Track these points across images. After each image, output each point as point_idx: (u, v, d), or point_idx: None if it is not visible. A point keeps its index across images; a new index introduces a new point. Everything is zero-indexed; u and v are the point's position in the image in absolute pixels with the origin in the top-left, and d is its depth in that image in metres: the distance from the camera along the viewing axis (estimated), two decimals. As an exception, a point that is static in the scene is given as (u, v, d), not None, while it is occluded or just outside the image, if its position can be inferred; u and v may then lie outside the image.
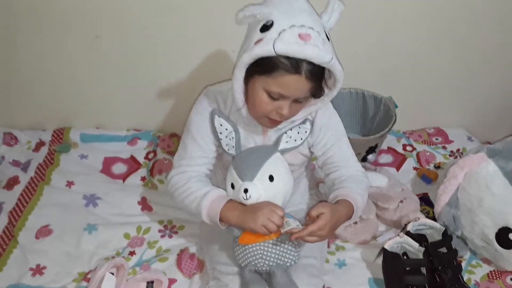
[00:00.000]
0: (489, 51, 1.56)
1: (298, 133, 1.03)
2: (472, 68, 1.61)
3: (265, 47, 0.85)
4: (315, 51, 0.84)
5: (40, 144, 1.55)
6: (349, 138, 1.25)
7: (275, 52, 0.84)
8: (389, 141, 1.62)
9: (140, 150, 1.56)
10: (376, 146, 1.48)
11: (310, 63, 0.86)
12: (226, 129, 1.00)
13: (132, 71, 1.53)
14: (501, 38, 1.53)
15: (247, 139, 1.04)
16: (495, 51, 1.56)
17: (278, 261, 0.98)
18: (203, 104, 1.04)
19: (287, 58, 0.85)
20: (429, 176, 1.46)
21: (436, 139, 1.66)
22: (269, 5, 0.88)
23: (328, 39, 0.90)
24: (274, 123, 0.98)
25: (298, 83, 0.88)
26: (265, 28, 0.86)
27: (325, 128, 1.06)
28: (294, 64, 0.86)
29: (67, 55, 1.49)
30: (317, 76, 0.90)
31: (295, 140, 1.03)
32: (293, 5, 0.88)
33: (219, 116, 1.00)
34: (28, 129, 1.60)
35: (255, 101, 0.93)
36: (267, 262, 0.98)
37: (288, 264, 0.99)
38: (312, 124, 1.04)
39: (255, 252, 0.98)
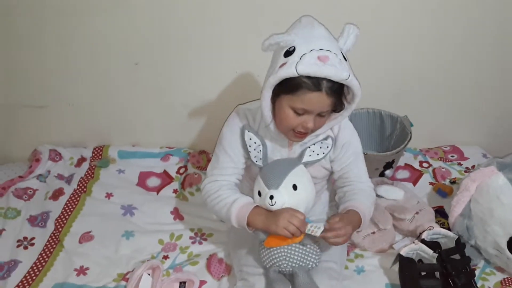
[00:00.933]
0: (501, 69, 1.62)
1: (320, 147, 1.12)
2: (486, 87, 1.66)
3: (289, 70, 0.95)
4: (333, 70, 0.95)
5: (82, 160, 1.70)
6: (367, 154, 1.36)
7: (297, 73, 0.95)
8: (407, 158, 1.70)
9: (172, 166, 1.67)
10: (393, 162, 1.56)
11: (329, 80, 0.97)
12: (255, 143, 1.11)
13: (165, 94, 1.66)
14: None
15: (274, 152, 1.14)
16: (508, 70, 1.62)
17: (301, 263, 1.06)
18: (234, 121, 1.15)
19: (309, 77, 0.96)
20: (444, 190, 1.53)
21: (452, 156, 1.73)
22: (291, 33, 1.00)
23: (346, 59, 1.01)
24: (300, 136, 1.08)
25: (319, 99, 0.99)
26: (288, 53, 0.98)
27: (347, 146, 1.15)
28: (315, 83, 0.96)
29: (108, 81, 1.63)
30: (337, 92, 1.00)
31: (318, 154, 1.12)
32: (313, 33, 1.00)
33: (248, 131, 1.11)
34: (71, 146, 1.74)
35: (282, 117, 1.04)
36: (290, 264, 1.06)
37: (310, 266, 1.07)
38: (335, 141, 1.14)
39: (279, 254, 1.06)
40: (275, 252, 1.07)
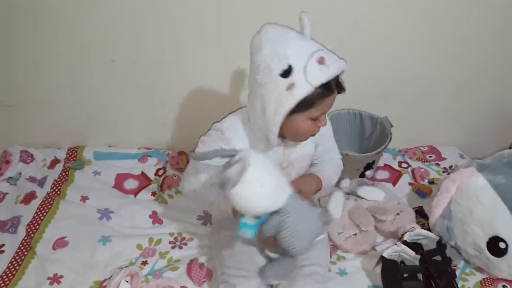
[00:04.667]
0: (476, 72, 1.66)
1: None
2: (462, 89, 1.70)
3: (304, 88, 0.93)
4: (336, 67, 0.96)
5: (55, 161, 1.63)
6: (348, 155, 1.39)
7: (313, 87, 0.94)
8: (386, 158, 1.71)
9: (150, 167, 1.63)
10: (373, 162, 1.57)
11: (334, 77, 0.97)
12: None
13: (143, 93, 1.62)
14: (488, 59, 1.63)
15: (270, 157, 1.08)
16: (485, 72, 1.66)
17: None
18: (214, 140, 1.09)
19: (322, 87, 0.95)
20: (423, 190, 1.54)
21: (430, 156, 1.75)
22: (277, 53, 0.94)
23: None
24: (314, 134, 1.09)
25: (333, 98, 1.01)
26: (287, 73, 0.93)
27: (325, 130, 1.16)
28: (328, 87, 0.97)
29: (83, 78, 1.58)
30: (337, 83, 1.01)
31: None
32: (291, 40, 0.96)
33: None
34: (43, 147, 1.68)
35: (300, 130, 1.03)
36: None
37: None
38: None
39: None
40: None
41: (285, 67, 0.93)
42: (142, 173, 1.61)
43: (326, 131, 1.19)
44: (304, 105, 0.97)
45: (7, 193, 1.48)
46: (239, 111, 1.13)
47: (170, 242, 1.34)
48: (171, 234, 1.37)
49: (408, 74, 1.64)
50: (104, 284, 1.19)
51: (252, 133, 1.08)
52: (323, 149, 1.23)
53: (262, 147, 1.08)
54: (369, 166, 1.56)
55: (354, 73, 1.57)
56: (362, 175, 1.58)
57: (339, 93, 1.04)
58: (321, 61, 0.94)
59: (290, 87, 0.93)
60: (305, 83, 0.93)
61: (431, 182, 1.61)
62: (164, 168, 1.63)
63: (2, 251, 1.28)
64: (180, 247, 1.33)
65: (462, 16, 1.52)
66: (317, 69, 0.94)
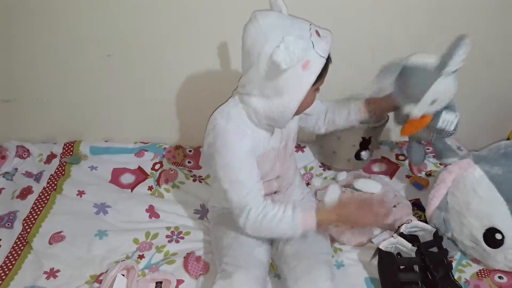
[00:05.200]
0: (476, 64, 1.65)
1: None
2: (460, 82, 1.70)
3: (319, 62, 0.98)
4: (329, 35, 1.01)
5: (52, 156, 1.63)
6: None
7: (325, 58, 0.99)
8: (383, 151, 1.71)
9: (147, 162, 1.63)
10: (369, 141, 1.55)
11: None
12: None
13: (139, 88, 1.61)
14: (488, 52, 1.61)
15: (272, 137, 1.13)
16: (483, 65, 1.65)
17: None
18: (234, 142, 1.05)
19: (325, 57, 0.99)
20: (420, 183, 1.54)
21: (427, 148, 1.74)
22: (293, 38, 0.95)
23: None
24: None
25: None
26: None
27: None
28: (329, 56, 1.01)
29: (79, 73, 1.57)
30: None
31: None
32: (292, 22, 0.98)
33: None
34: (39, 142, 1.67)
35: (307, 104, 1.07)
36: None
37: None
38: None
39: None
40: None
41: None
42: (139, 167, 1.60)
43: None
44: (318, 78, 1.00)
45: (3, 188, 1.48)
46: (230, 104, 1.09)
47: (167, 236, 1.34)
48: (167, 228, 1.37)
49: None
50: (100, 278, 1.19)
51: (251, 119, 1.08)
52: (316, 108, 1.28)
53: (265, 130, 1.10)
54: (365, 144, 1.55)
55: (348, 65, 1.59)
56: (358, 155, 1.56)
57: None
58: (318, 34, 0.99)
59: (306, 64, 0.96)
60: (318, 57, 0.97)
61: (429, 174, 1.61)
62: (160, 162, 1.62)
63: (-1, 246, 1.28)
64: (177, 241, 1.33)
65: (462, 8, 1.51)
66: (320, 41, 0.98)
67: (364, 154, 1.55)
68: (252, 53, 0.98)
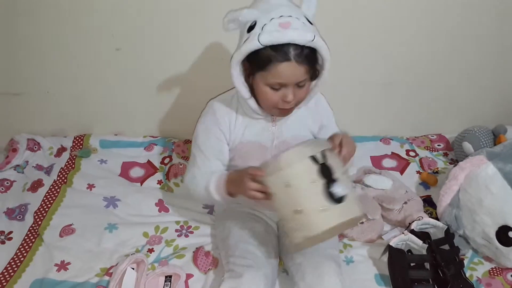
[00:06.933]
0: (488, 61, 1.63)
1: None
2: (471, 78, 1.68)
3: (252, 42, 0.94)
4: (295, 33, 0.93)
5: (62, 149, 1.63)
6: None
7: (260, 44, 0.93)
8: (393, 147, 1.69)
9: (156, 156, 1.63)
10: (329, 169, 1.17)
11: (296, 47, 0.94)
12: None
13: (148, 81, 1.61)
14: (498, 46, 1.60)
15: (260, 132, 1.13)
16: (495, 61, 1.63)
17: None
18: (206, 117, 1.14)
19: (275, 49, 0.94)
20: (428, 182, 1.52)
21: (438, 145, 1.73)
22: (250, 8, 0.98)
23: (311, 24, 0.98)
24: (285, 112, 1.07)
25: (291, 69, 0.96)
26: (251, 28, 0.96)
27: (325, 120, 1.20)
28: (282, 53, 0.94)
29: (89, 67, 1.58)
30: (308, 59, 0.97)
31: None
32: (270, 3, 0.97)
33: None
34: (50, 135, 1.68)
35: (262, 97, 1.03)
36: None
37: None
38: (315, 111, 1.17)
39: None
40: None
41: (252, 23, 0.96)
42: (148, 161, 1.60)
43: (325, 113, 1.20)
44: (257, 63, 0.97)
45: (14, 181, 1.49)
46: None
47: (176, 230, 1.34)
48: (177, 222, 1.37)
49: (417, 63, 1.62)
50: (110, 271, 1.20)
51: (240, 104, 1.11)
52: (329, 128, 1.20)
53: (250, 118, 1.11)
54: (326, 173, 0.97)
55: (362, 61, 1.58)
56: (331, 194, 0.95)
57: (313, 77, 1.02)
58: (285, 25, 0.93)
59: (246, 41, 0.95)
60: (255, 38, 0.93)
61: (435, 171, 1.59)
62: (170, 156, 1.62)
63: (10, 238, 1.29)
64: (186, 235, 1.33)
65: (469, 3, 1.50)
66: (274, 30, 0.93)
67: (336, 187, 0.93)
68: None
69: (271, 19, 0.94)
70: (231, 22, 0.98)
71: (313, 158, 0.91)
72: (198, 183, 1.14)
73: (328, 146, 0.98)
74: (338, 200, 0.91)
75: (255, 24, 0.95)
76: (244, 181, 0.98)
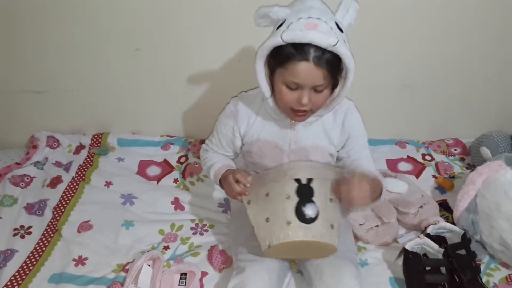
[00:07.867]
0: (505, 63, 1.61)
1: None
2: (490, 81, 1.65)
3: (275, 38, 0.94)
4: (317, 35, 0.91)
5: (80, 147, 1.66)
6: None
7: (282, 40, 0.92)
8: (409, 150, 1.69)
9: (172, 155, 1.65)
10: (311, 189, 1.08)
11: (317, 50, 0.93)
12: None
13: (166, 81, 1.63)
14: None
15: (277, 133, 1.13)
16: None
17: None
18: (229, 107, 1.18)
19: (295, 48, 0.93)
20: (444, 187, 1.51)
21: (455, 149, 1.71)
22: (282, 6, 0.98)
23: (341, 31, 0.96)
24: (301, 115, 1.03)
25: (308, 70, 0.94)
26: (280, 26, 0.96)
27: (354, 133, 1.14)
28: (301, 51, 0.93)
29: (108, 67, 1.59)
30: (328, 64, 0.95)
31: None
32: (305, 4, 0.97)
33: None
34: (69, 133, 1.71)
35: (278, 94, 1.02)
36: None
37: None
38: (341, 126, 1.13)
39: None
40: None
41: (282, 21, 0.96)
42: (165, 160, 1.62)
43: (353, 130, 1.14)
44: (278, 59, 0.97)
45: (34, 177, 1.52)
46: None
47: (192, 228, 1.36)
48: (192, 220, 1.38)
49: (434, 66, 1.60)
50: (127, 268, 1.21)
51: (263, 103, 1.12)
52: (356, 144, 1.15)
53: (270, 118, 1.12)
54: (305, 194, 1.02)
55: (378, 64, 1.57)
56: (302, 214, 1.00)
57: (334, 84, 1.01)
58: (310, 26, 0.92)
59: (271, 36, 0.97)
60: (279, 35, 0.93)
61: (452, 176, 1.58)
62: (186, 156, 1.64)
63: (30, 233, 1.32)
64: (201, 234, 1.34)
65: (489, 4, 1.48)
66: (298, 29, 0.92)
67: (309, 209, 0.99)
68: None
69: (299, 19, 0.93)
70: (261, 18, 0.99)
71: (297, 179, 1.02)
72: (207, 157, 1.24)
73: (331, 178, 1.04)
74: (308, 221, 0.98)
75: (284, 21, 0.96)
76: (230, 183, 1.09)
